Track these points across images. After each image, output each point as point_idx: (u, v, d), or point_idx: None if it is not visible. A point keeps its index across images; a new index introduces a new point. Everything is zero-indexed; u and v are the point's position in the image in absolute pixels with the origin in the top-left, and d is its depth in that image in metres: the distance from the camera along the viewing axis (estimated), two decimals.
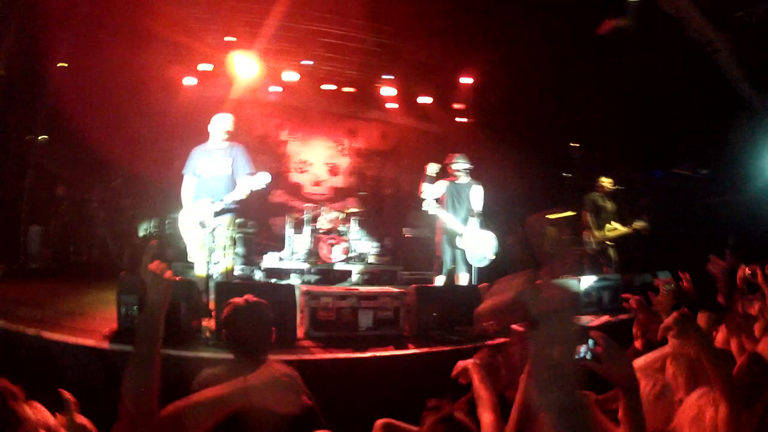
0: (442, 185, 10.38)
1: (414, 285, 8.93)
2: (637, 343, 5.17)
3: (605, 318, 9.30)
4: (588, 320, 9.05)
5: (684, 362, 3.96)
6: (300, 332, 7.56)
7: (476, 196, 10.43)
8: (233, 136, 8.72)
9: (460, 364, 4.21)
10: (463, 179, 10.44)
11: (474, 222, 10.24)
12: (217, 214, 8.11)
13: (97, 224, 13.64)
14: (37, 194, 12.93)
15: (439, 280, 10.11)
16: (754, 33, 11.57)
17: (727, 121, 13.28)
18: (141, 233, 14.42)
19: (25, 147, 12.93)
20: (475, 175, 10.60)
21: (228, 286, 7.66)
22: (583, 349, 2.35)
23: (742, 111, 13.05)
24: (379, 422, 4.00)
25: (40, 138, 13.25)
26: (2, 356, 6.04)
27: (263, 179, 8.09)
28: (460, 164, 10.43)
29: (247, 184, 8.09)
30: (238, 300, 4.11)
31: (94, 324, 7.44)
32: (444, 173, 10.50)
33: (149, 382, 2.61)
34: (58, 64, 12.86)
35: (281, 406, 2.45)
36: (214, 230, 8.11)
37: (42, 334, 6.42)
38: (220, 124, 8.53)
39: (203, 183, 8.36)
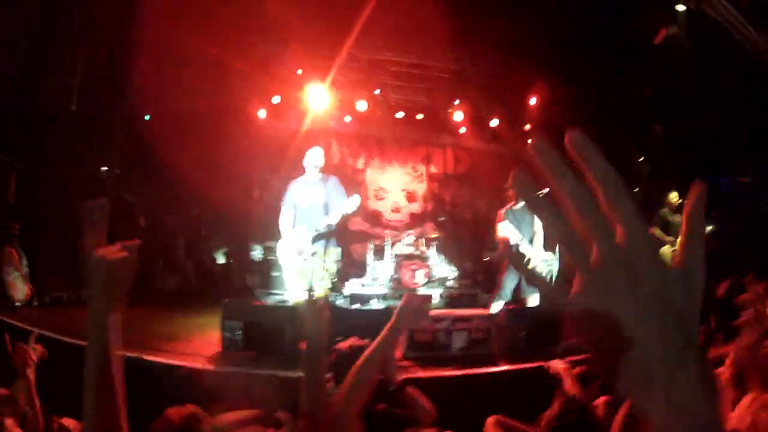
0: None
1: (504, 306, 9.02)
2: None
3: None
4: None
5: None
6: (398, 353, 7.65)
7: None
8: (325, 168, 9.16)
9: (554, 365, 4.31)
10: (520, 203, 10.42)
11: (537, 244, 10.19)
12: (315, 240, 8.36)
13: (177, 252, 13.85)
14: (116, 225, 13.19)
15: (496, 307, 9.94)
16: None
17: None
18: (220, 260, 14.67)
19: (103, 179, 13.20)
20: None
21: (346, 313, 7.80)
22: None
23: None
24: (491, 419, 4.06)
25: (116, 170, 13.55)
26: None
27: (354, 202, 8.38)
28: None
29: (339, 208, 8.36)
30: (342, 345, 4.23)
31: (193, 347, 7.69)
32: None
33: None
34: (134, 97, 13.21)
35: None
36: (311, 257, 8.35)
37: (147, 358, 6.62)
38: (313, 158, 8.87)
39: (300, 213, 8.68)
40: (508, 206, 10.27)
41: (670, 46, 12.98)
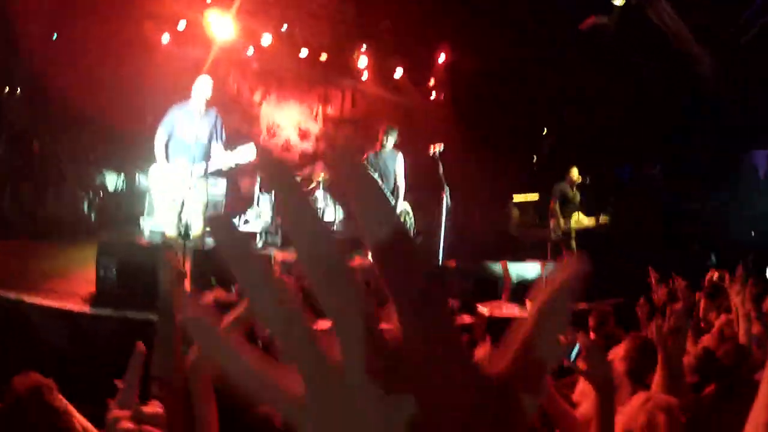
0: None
1: None
2: (593, 335, 5.28)
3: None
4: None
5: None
6: None
7: (400, 166, 10.78)
8: (215, 100, 8.85)
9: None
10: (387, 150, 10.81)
11: (399, 194, 10.50)
12: (194, 175, 8.14)
13: (66, 179, 13.46)
14: (9, 148, 12.73)
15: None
16: (738, 54, 11.80)
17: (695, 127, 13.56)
18: (111, 188, 14.34)
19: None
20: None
21: (204, 254, 7.68)
22: (574, 351, 2.48)
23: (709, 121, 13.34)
24: None
25: (12, 93, 13.07)
26: None
27: (248, 154, 8.17)
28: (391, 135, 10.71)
29: (233, 157, 8.17)
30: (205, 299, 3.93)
31: (72, 286, 7.49)
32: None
33: (174, 351, 2.72)
34: (37, 18, 12.73)
35: None
36: (189, 191, 8.12)
37: (23, 299, 6.41)
38: (202, 87, 8.56)
39: (180, 143, 8.38)
40: (373, 150, 10.28)
41: (596, 34, 13.09)
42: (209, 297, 3.98)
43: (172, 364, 2.66)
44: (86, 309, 6.62)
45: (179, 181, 8.13)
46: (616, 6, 12.30)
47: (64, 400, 2.44)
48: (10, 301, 6.32)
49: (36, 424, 2.27)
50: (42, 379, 2.41)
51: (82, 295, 7.04)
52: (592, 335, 5.21)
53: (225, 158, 8.24)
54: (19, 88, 13.05)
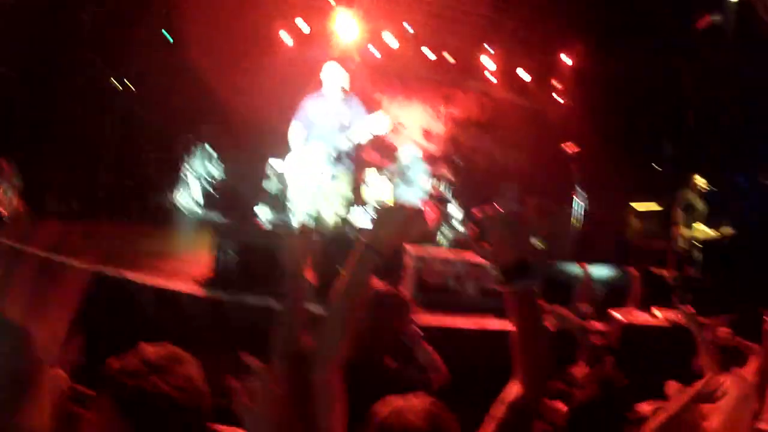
0: None
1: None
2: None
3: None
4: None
5: None
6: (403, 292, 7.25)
7: None
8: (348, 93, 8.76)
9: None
10: None
11: None
12: (334, 161, 7.90)
13: (190, 169, 13.47)
14: (125, 137, 12.83)
15: None
16: None
17: None
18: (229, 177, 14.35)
19: (112, 92, 12.84)
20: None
21: (336, 240, 7.48)
22: None
23: None
24: None
25: (127, 84, 13.18)
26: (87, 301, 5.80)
27: (384, 122, 7.90)
28: None
29: (366, 126, 7.90)
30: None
31: (183, 267, 7.28)
32: None
33: (295, 337, 2.74)
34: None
35: None
36: (328, 179, 7.91)
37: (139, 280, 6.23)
38: (335, 75, 8.33)
39: (316, 130, 8.18)
40: None
41: (714, 33, 12.73)
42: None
43: (294, 344, 2.68)
44: (203, 292, 6.48)
45: (316, 171, 7.88)
46: (729, 2, 12.12)
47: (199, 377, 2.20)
48: (124, 281, 6.23)
49: (168, 391, 2.03)
50: (178, 352, 2.21)
51: (198, 278, 6.91)
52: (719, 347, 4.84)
53: (356, 133, 7.93)
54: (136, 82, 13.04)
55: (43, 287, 1.39)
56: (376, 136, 8.41)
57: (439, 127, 17.15)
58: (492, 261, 2.27)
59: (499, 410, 2.35)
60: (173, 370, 2.03)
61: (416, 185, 12.64)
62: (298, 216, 8.23)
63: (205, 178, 13.63)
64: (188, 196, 13.32)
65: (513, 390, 2.37)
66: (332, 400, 2.32)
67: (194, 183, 13.41)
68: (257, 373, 2.24)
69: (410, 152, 12.67)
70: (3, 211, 8.53)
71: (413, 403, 2.27)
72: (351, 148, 8.16)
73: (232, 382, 2.26)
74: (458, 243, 12.59)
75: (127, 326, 5.35)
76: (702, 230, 11.99)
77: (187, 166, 13.41)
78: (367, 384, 2.45)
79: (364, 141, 8.12)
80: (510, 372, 2.33)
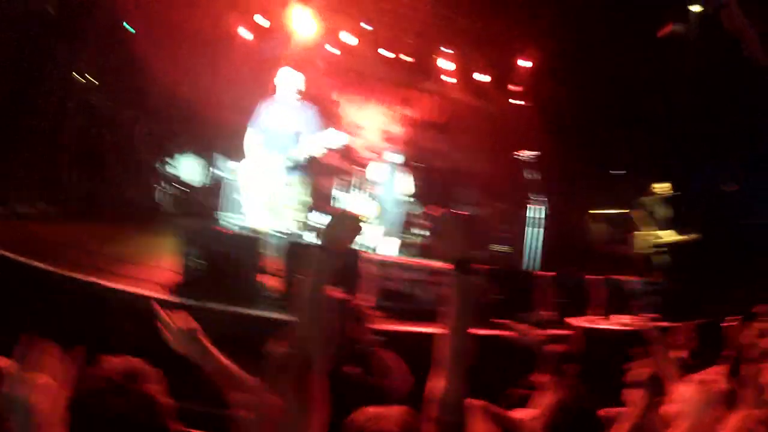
0: None
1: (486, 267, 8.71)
2: (682, 353, 4.88)
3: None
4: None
5: None
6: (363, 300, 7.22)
7: None
8: (303, 95, 8.68)
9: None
10: None
11: None
12: (289, 170, 7.89)
13: (148, 169, 13.34)
14: (86, 135, 12.66)
15: None
16: None
17: None
18: (192, 180, 14.23)
19: (75, 88, 12.66)
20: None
21: (300, 247, 7.43)
22: None
23: None
24: (477, 404, 3.59)
25: (89, 79, 12.98)
26: (51, 304, 5.76)
27: (340, 139, 7.94)
28: None
29: (323, 141, 7.90)
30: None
31: (149, 273, 7.20)
32: None
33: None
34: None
35: None
36: (284, 186, 7.90)
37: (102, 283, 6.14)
38: (293, 82, 8.30)
39: (272, 137, 8.16)
40: None
41: (673, 42, 12.81)
42: None
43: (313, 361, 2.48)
44: (170, 298, 6.43)
45: (271, 177, 7.85)
46: (692, 12, 12.13)
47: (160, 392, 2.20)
48: (88, 284, 6.14)
49: (126, 411, 2.03)
50: (142, 366, 2.20)
51: (163, 283, 6.85)
52: (682, 353, 4.87)
53: (312, 145, 7.92)
54: (93, 76, 12.86)
55: None
56: (331, 149, 8.38)
57: (396, 129, 17.11)
58: (441, 256, 2.56)
59: (431, 409, 2.41)
60: (131, 388, 2.02)
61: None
62: (255, 221, 8.17)
63: (166, 180, 13.52)
64: (149, 197, 13.24)
65: (437, 386, 2.45)
66: (317, 406, 2.32)
67: (155, 184, 13.31)
68: (252, 386, 2.34)
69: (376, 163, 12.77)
70: None
71: (389, 412, 2.35)
72: (305, 158, 8.12)
73: (231, 395, 2.37)
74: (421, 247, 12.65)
75: (93, 333, 5.27)
76: (664, 234, 12.01)
77: (148, 166, 13.30)
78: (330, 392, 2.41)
79: (318, 153, 8.08)
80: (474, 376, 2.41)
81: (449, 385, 2.40)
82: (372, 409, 2.36)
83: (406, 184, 12.94)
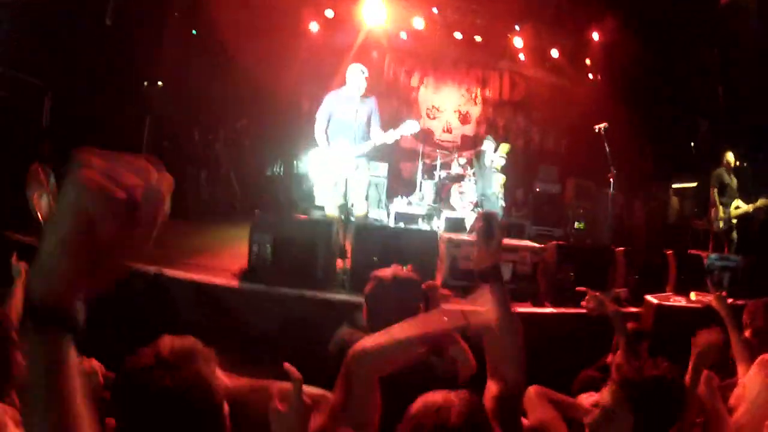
0: None
1: (553, 242, 8.62)
2: (747, 333, 4.70)
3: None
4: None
5: None
6: (437, 280, 7.24)
7: None
8: (372, 87, 8.70)
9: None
10: None
11: None
12: (357, 155, 8.02)
13: (221, 164, 13.56)
14: (159, 137, 12.94)
15: None
16: None
17: None
18: (268, 173, 14.41)
19: (144, 94, 12.93)
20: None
21: (368, 229, 7.58)
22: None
23: None
24: (533, 390, 3.58)
25: (158, 84, 13.24)
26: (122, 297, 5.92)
27: (412, 128, 8.02)
28: None
29: (395, 134, 8.02)
30: (384, 274, 3.78)
31: (222, 262, 7.37)
32: None
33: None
34: (178, 9, 12.94)
35: None
36: (351, 171, 8.00)
37: (164, 272, 6.29)
38: (358, 74, 8.40)
39: (339, 127, 8.27)
40: None
41: (736, 8, 12.52)
42: (389, 272, 3.80)
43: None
44: (236, 284, 6.54)
45: (341, 163, 7.98)
46: None
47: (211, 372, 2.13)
48: (159, 276, 6.26)
49: (173, 387, 1.98)
50: (198, 347, 2.12)
51: (234, 270, 6.95)
52: (747, 333, 4.67)
53: (387, 135, 8.02)
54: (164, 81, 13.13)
55: None
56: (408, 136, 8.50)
57: (473, 109, 17.13)
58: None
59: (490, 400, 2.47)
60: (182, 366, 2.01)
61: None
62: (329, 209, 8.32)
63: (240, 174, 13.75)
64: (228, 192, 13.46)
65: (491, 389, 2.51)
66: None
67: (228, 177, 13.53)
68: (294, 382, 2.19)
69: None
70: (42, 216, 8.64)
71: (450, 400, 2.22)
72: (377, 146, 8.23)
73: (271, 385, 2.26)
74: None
75: (163, 320, 5.43)
76: (739, 207, 11.64)
77: (220, 161, 13.52)
78: (393, 375, 2.34)
79: (392, 141, 8.17)
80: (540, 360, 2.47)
81: (504, 388, 2.45)
82: (432, 395, 2.24)
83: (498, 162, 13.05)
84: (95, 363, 3.41)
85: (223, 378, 2.13)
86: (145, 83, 12.31)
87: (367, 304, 3.78)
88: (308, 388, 2.25)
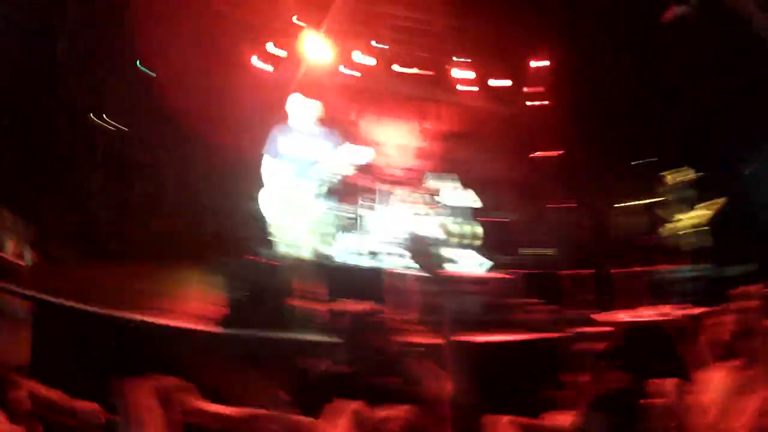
0: None
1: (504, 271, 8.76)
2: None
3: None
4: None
5: None
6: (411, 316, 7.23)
7: None
8: (313, 118, 8.77)
9: None
10: None
11: None
12: (316, 195, 7.96)
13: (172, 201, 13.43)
14: (108, 177, 12.76)
15: None
16: None
17: None
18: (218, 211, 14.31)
19: (95, 132, 12.75)
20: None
21: (342, 270, 7.51)
22: None
23: None
24: (505, 420, 3.62)
25: (108, 124, 13.09)
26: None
27: (367, 154, 7.98)
28: None
29: (349, 158, 7.95)
30: (357, 310, 4.04)
31: (190, 307, 7.27)
32: None
33: None
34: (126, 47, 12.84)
35: None
36: (307, 210, 7.93)
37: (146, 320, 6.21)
38: (300, 106, 8.36)
39: (291, 163, 8.19)
40: None
41: (678, 25, 12.78)
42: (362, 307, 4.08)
43: None
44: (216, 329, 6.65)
45: (288, 201, 7.87)
46: None
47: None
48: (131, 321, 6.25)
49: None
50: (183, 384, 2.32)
51: (200, 315, 7.03)
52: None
53: (336, 165, 7.97)
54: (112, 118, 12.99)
55: None
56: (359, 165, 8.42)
57: (415, 143, 17.17)
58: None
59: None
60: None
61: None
62: (282, 248, 8.19)
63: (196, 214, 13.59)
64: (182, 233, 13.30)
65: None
66: None
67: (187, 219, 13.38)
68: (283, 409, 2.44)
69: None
70: (20, 262, 8.47)
71: (395, 412, 2.48)
72: (328, 181, 8.15)
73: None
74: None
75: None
76: (689, 217, 11.86)
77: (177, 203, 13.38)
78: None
79: (346, 172, 8.12)
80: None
81: (455, 386, 2.74)
82: (378, 410, 2.46)
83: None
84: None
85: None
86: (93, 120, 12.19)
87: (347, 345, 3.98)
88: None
